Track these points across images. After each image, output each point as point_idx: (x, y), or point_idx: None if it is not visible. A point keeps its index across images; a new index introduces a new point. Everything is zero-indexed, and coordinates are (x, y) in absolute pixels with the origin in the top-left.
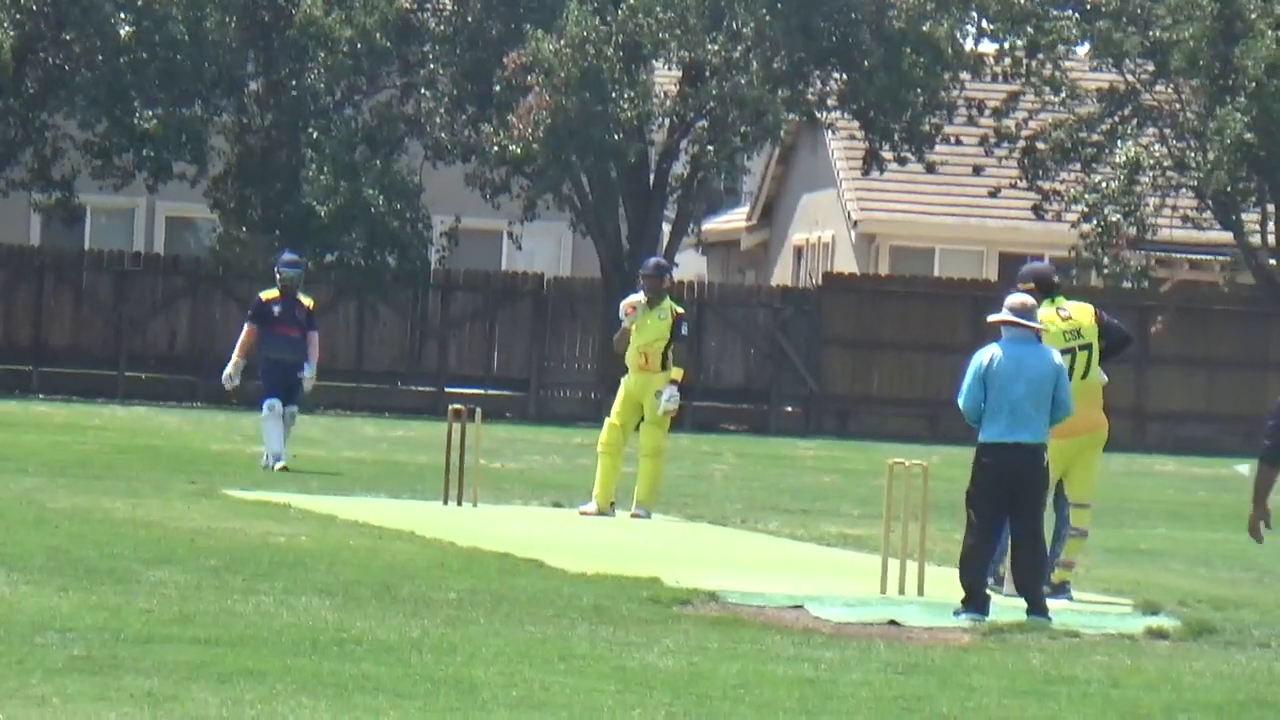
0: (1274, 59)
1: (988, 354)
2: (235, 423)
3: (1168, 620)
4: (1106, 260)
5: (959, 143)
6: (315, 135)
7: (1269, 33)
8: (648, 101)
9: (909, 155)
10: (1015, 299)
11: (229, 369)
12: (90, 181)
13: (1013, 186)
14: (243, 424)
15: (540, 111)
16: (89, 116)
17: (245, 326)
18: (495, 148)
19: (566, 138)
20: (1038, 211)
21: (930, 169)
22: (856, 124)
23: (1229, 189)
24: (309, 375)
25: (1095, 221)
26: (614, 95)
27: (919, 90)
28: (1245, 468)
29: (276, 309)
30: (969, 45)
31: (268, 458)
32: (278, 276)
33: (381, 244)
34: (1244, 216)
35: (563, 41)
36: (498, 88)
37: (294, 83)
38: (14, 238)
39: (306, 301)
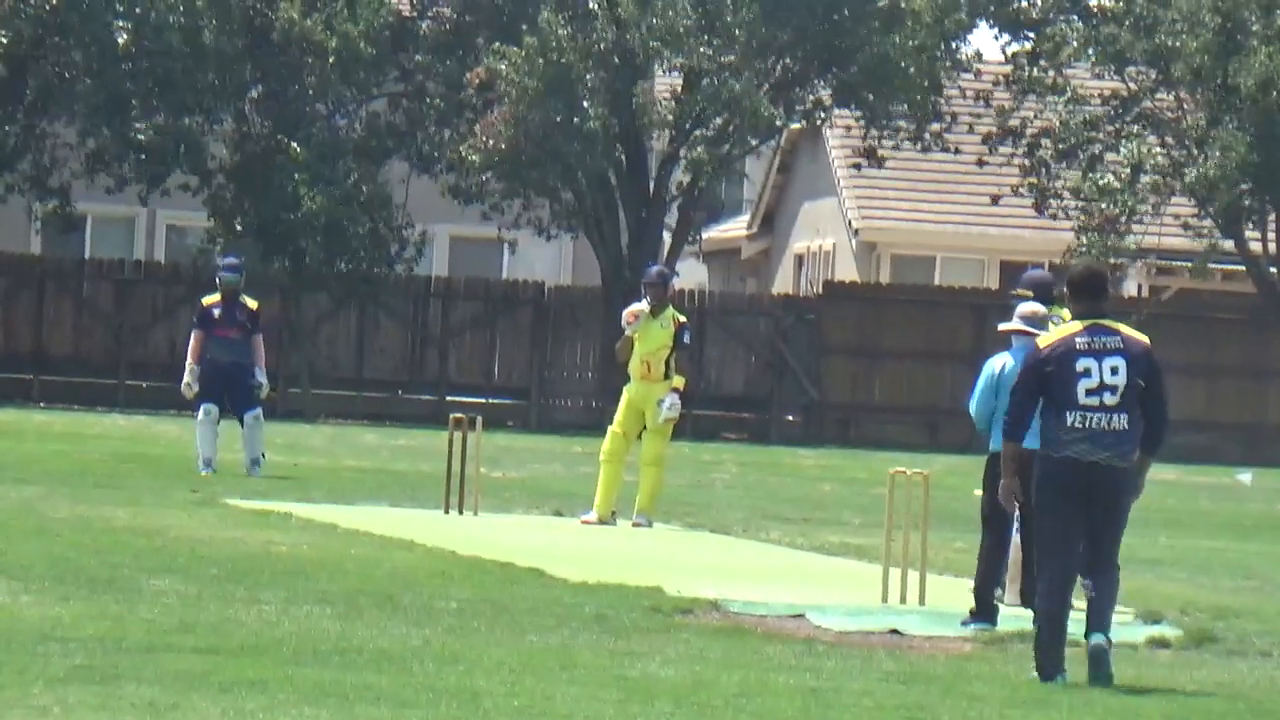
0: (1268, 75)
1: (999, 362)
2: (236, 431)
3: (1169, 629)
4: (1095, 250)
5: (959, 151)
6: (295, 144)
7: (1263, 49)
8: (638, 113)
9: (908, 140)
10: (1026, 307)
11: (186, 377)
12: (90, 190)
13: (1015, 192)
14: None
15: (503, 124)
16: (87, 125)
17: (192, 334)
18: (457, 156)
19: (530, 150)
20: (1039, 208)
21: (927, 150)
22: (854, 120)
23: (1231, 204)
24: (261, 382)
25: (1093, 215)
26: (585, 105)
27: (916, 77)
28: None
29: (217, 312)
30: (969, 49)
31: (201, 463)
32: (218, 281)
33: (339, 247)
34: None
35: (524, 53)
36: (462, 95)
37: (283, 91)
38: (15, 246)
39: (251, 304)
